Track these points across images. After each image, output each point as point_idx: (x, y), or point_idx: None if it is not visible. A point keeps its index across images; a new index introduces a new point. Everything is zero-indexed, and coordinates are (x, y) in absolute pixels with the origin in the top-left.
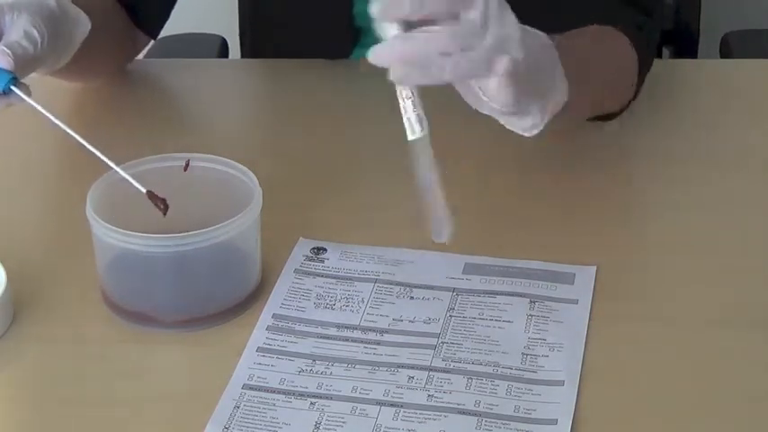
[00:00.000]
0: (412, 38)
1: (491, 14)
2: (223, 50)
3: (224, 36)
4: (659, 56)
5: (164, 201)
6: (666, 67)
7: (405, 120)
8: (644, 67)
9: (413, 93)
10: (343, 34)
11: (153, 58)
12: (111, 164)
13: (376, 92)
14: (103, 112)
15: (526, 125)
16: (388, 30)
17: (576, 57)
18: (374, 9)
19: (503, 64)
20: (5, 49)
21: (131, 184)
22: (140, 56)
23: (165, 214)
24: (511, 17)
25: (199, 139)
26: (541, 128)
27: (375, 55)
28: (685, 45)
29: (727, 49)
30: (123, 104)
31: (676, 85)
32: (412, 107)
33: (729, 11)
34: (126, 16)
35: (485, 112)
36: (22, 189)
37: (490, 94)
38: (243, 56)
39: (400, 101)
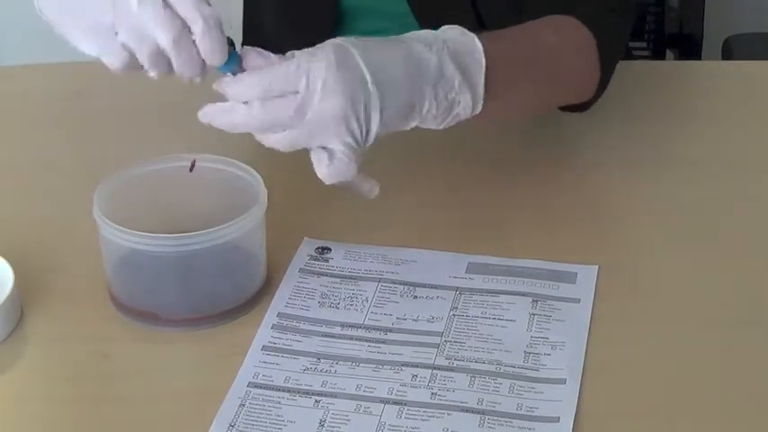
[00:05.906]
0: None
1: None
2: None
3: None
4: (663, 58)
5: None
6: (668, 68)
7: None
8: (607, 59)
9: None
10: (328, 15)
11: None
12: None
13: None
14: (109, 113)
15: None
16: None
17: (508, 56)
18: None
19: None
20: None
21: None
22: None
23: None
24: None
25: (204, 139)
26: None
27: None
28: (689, 48)
29: (729, 52)
30: (129, 105)
31: (678, 86)
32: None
33: (732, 15)
34: None
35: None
36: (29, 189)
37: None
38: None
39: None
